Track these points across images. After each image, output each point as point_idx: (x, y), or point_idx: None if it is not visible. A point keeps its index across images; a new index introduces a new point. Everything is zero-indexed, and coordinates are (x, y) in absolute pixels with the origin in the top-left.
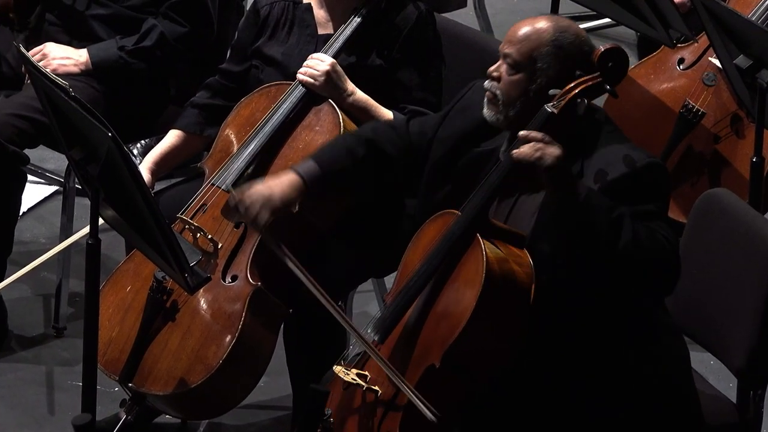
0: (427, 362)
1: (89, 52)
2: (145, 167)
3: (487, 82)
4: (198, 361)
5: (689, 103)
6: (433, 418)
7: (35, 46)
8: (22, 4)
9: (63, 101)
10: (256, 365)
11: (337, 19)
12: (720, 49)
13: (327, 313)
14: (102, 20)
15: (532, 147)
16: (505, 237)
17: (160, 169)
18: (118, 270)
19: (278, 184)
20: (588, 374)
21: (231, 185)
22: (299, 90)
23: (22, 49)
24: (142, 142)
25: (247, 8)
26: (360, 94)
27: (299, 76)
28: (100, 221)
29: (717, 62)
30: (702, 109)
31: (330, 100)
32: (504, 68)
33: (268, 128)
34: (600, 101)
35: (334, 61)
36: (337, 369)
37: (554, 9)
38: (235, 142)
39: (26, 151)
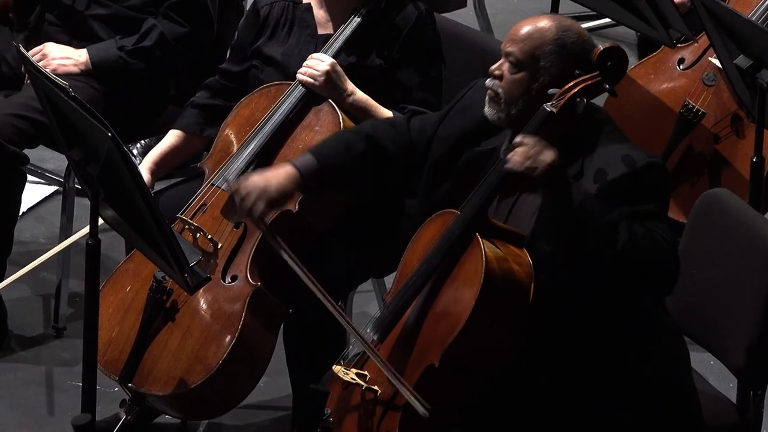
0: (426, 362)
1: (89, 52)
2: (144, 167)
3: (488, 80)
4: (198, 362)
5: (689, 103)
6: (425, 412)
7: (35, 46)
8: (22, 4)
9: (63, 101)
10: (256, 365)
11: (337, 19)
12: (720, 49)
13: (326, 313)
14: (102, 20)
15: (524, 156)
16: (504, 236)
17: (159, 169)
18: (117, 270)
19: (275, 175)
20: (588, 374)
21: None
22: (299, 90)
23: (22, 49)
24: (142, 142)
25: (247, 8)
26: (360, 94)
27: (299, 76)
28: (100, 221)
29: (717, 62)
30: (702, 109)
31: (330, 100)
32: (506, 67)
33: (268, 128)
34: (600, 101)
35: (334, 61)
36: (337, 369)
37: (554, 9)
38: (234, 142)
39: (26, 151)
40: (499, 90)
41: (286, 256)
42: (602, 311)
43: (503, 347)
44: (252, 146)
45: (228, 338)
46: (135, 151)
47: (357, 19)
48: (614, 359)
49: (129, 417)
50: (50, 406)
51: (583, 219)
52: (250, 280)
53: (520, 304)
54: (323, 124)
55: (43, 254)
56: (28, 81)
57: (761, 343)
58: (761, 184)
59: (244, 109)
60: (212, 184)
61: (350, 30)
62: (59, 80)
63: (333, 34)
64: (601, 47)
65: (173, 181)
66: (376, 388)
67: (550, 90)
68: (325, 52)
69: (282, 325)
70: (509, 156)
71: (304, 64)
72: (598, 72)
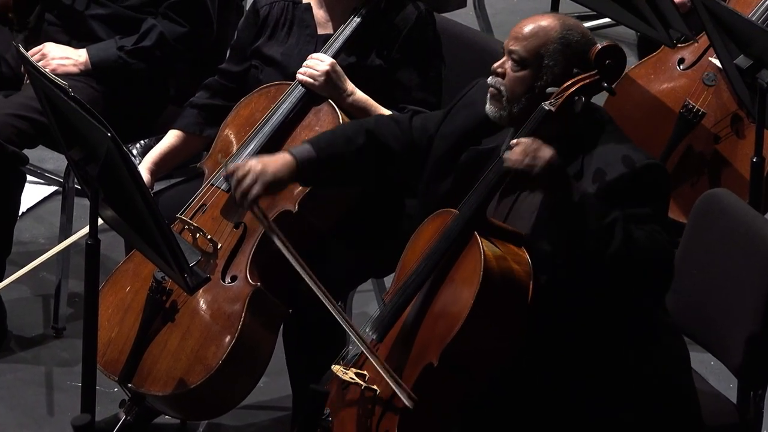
0: (425, 361)
1: (88, 52)
2: (144, 167)
3: (490, 78)
4: (197, 362)
5: (689, 103)
6: (409, 403)
7: (34, 46)
8: (22, 3)
9: (62, 101)
10: (256, 365)
11: (337, 19)
12: (720, 49)
13: (326, 313)
14: (101, 20)
15: (522, 154)
16: (503, 235)
17: (159, 169)
18: (117, 270)
19: (272, 161)
20: (588, 374)
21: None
22: (299, 90)
23: (22, 49)
24: (142, 142)
25: (247, 8)
26: (360, 94)
27: (299, 76)
28: (100, 221)
29: (717, 62)
30: (702, 109)
31: (330, 100)
32: (509, 65)
33: (268, 128)
34: (600, 101)
35: (334, 61)
36: (336, 368)
37: (554, 9)
38: (234, 142)
39: (25, 152)
40: (502, 87)
41: (278, 242)
42: (602, 311)
43: (502, 346)
44: (252, 146)
45: (228, 338)
46: (134, 151)
47: (357, 19)
48: (614, 359)
49: (128, 417)
50: (50, 406)
51: (582, 218)
52: (250, 281)
53: (519, 304)
54: (323, 124)
55: (43, 254)
56: (28, 81)
57: (761, 343)
58: (761, 184)
59: (243, 109)
60: (212, 185)
61: (350, 30)
62: (59, 80)
63: (333, 34)
64: (599, 46)
65: (173, 181)
66: (375, 387)
67: (548, 89)
68: (324, 52)
69: (282, 326)
70: (507, 154)
71: (304, 64)
72: (596, 71)
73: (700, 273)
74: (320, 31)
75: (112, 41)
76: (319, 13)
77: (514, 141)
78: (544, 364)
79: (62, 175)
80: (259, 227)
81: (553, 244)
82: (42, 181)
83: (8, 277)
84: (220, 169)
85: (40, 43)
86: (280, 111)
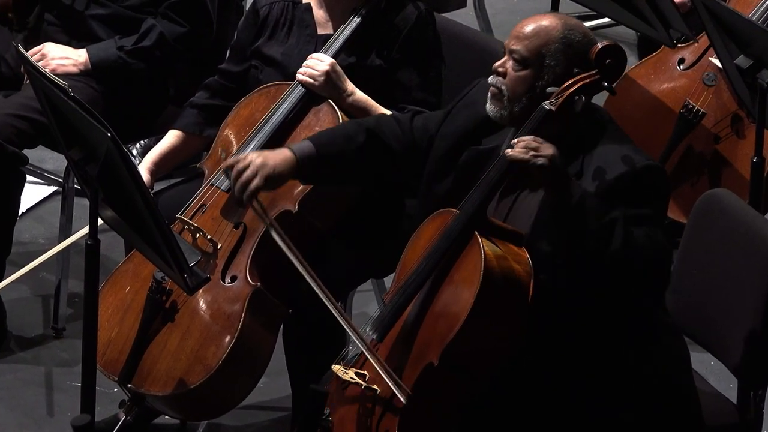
0: (426, 360)
1: (88, 52)
2: (144, 167)
3: (491, 77)
4: (197, 362)
5: (689, 103)
6: (404, 399)
7: (34, 46)
8: (21, 3)
9: (62, 101)
10: (256, 366)
11: (337, 19)
12: (720, 49)
13: (326, 313)
14: (101, 20)
15: (524, 149)
16: (503, 235)
17: (159, 169)
18: (117, 270)
19: (272, 155)
20: (588, 374)
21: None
22: (299, 90)
23: (21, 49)
24: (142, 142)
25: (247, 8)
26: (360, 95)
27: (299, 76)
28: (99, 222)
29: (717, 62)
30: (702, 109)
31: (329, 100)
32: (510, 64)
33: (268, 128)
34: (600, 101)
35: (334, 61)
36: (336, 368)
37: (554, 9)
38: (234, 142)
39: (25, 152)
40: (503, 87)
41: (278, 238)
42: (602, 311)
43: (503, 346)
44: (251, 146)
45: (227, 338)
46: (134, 152)
47: (357, 19)
48: (614, 359)
49: (128, 417)
50: (50, 406)
51: (582, 217)
52: (250, 281)
53: (520, 303)
54: (323, 125)
55: (43, 254)
56: (28, 81)
57: (761, 343)
58: (761, 185)
59: (243, 109)
60: (212, 185)
61: (350, 30)
62: (58, 80)
63: (333, 34)
64: (599, 45)
65: (173, 181)
66: (375, 387)
67: (549, 88)
68: (324, 52)
69: (282, 326)
70: (509, 149)
71: (304, 64)
72: (596, 70)
73: (700, 273)
74: (320, 31)
75: (112, 41)
76: (319, 13)
77: (515, 141)
78: (544, 364)
79: (62, 175)
80: (259, 227)
81: (552, 244)
82: (42, 181)
83: (8, 277)
84: (219, 169)
85: (40, 43)
86: (280, 111)
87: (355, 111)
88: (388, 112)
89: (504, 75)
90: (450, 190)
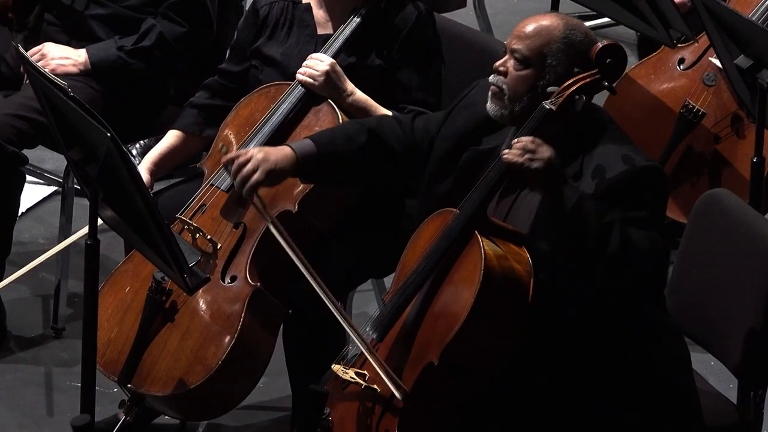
0: (426, 360)
1: (88, 52)
2: (144, 167)
3: (492, 76)
4: (197, 362)
5: (689, 103)
6: (400, 397)
7: (34, 46)
8: (21, 3)
9: (62, 101)
10: (255, 366)
11: (337, 19)
12: (720, 49)
13: (326, 313)
14: (101, 20)
15: (522, 150)
16: (503, 235)
17: (159, 169)
18: (117, 270)
19: (274, 151)
20: (588, 374)
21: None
22: (298, 90)
23: (21, 49)
24: (141, 142)
25: (247, 8)
26: (359, 94)
27: (298, 76)
28: (99, 222)
29: (717, 62)
30: (702, 109)
31: (329, 100)
32: (511, 63)
33: (268, 128)
34: (601, 101)
35: (334, 61)
36: (336, 368)
37: (554, 9)
38: (234, 142)
39: (25, 152)
40: (504, 86)
41: (277, 235)
42: (602, 311)
43: (503, 346)
44: (251, 146)
45: (227, 339)
46: (134, 152)
47: (356, 19)
48: (614, 359)
49: (128, 418)
50: (49, 406)
51: (579, 219)
52: (250, 281)
53: (520, 303)
54: (323, 125)
55: (42, 255)
56: (27, 81)
57: (761, 343)
58: (761, 185)
59: (243, 109)
60: (211, 185)
61: (350, 30)
62: (58, 80)
63: (332, 34)
64: (600, 45)
65: (172, 181)
66: (375, 387)
67: (549, 88)
68: (324, 52)
69: (281, 326)
70: (507, 151)
71: (304, 64)
72: (597, 69)
73: (700, 273)
74: (320, 31)
75: (112, 41)
76: (318, 13)
77: (514, 141)
78: (544, 364)
79: (62, 175)
80: (259, 227)
81: (552, 244)
82: (41, 181)
83: (8, 277)
84: (219, 169)
85: (40, 43)
86: (280, 111)
87: (355, 111)
88: (388, 112)
89: (505, 74)
90: (450, 191)
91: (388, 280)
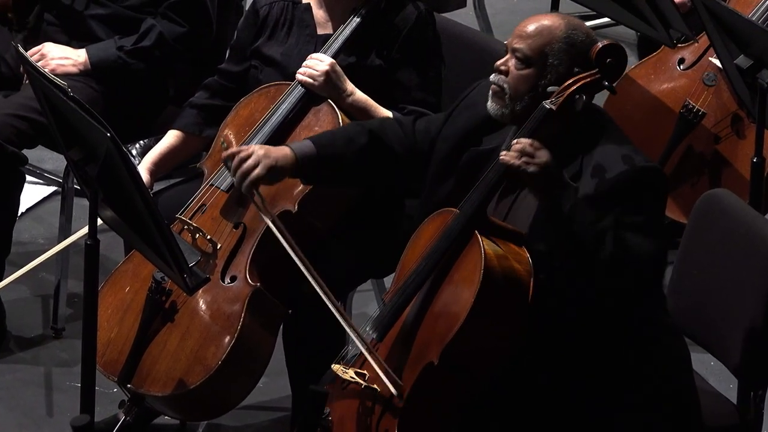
0: (426, 360)
1: (88, 52)
2: (143, 167)
3: (493, 75)
4: (197, 362)
5: (689, 103)
6: (394, 392)
7: (34, 46)
8: (21, 3)
9: (61, 101)
10: (255, 366)
11: (337, 19)
12: (720, 49)
13: (326, 313)
14: (101, 20)
15: (520, 152)
16: (503, 235)
17: (159, 169)
18: (116, 271)
19: (274, 149)
20: (588, 374)
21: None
22: (298, 90)
23: (21, 49)
24: (141, 142)
25: (246, 8)
26: (359, 95)
27: (298, 76)
28: (99, 222)
29: (717, 62)
30: (702, 110)
31: (329, 100)
32: (513, 62)
33: (267, 128)
34: (601, 101)
35: (334, 61)
36: (336, 367)
37: (554, 9)
38: (234, 142)
39: (25, 152)
40: (505, 85)
41: (276, 232)
42: (602, 311)
43: (503, 345)
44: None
45: (227, 339)
46: (134, 152)
47: (356, 19)
48: (614, 359)
49: (128, 418)
50: (49, 406)
51: (574, 224)
52: (250, 281)
53: (520, 303)
54: (322, 125)
55: (42, 255)
56: (27, 81)
57: (761, 343)
58: (762, 185)
59: (243, 109)
60: (211, 185)
61: (350, 30)
62: (58, 80)
63: (332, 34)
64: (600, 44)
65: (172, 181)
66: (375, 386)
67: (549, 87)
68: (324, 52)
69: (281, 326)
70: (504, 153)
71: (304, 64)
72: (597, 69)
73: (700, 273)
74: (320, 31)
75: (112, 41)
76: (318, 13)
77: (514, 141)
78: (544, 364)
79: (61, 175)
80: (259, 227)
81: (550, 245)
82: (41, 181)
83: (7, 277)
84: (219, 169)
85: (40, 43)
86: (280, 111)
87: (355, 111)
88: (388, 113)
89: (506, 73)
90: (452, 192)
91: (388, 280)
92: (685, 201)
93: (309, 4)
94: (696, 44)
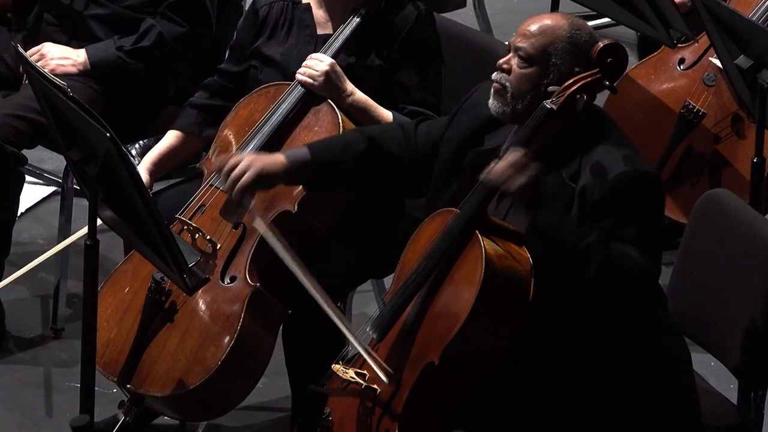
0: (426, 360)
1: (87, 52)
2: (143, 168)
3: (495, 74)
4: (196, 363)
5: (690, 103)
6: (385, 378)
7: (33, 46)
8: (20, 3)
9: (61, 101)
10: (255, 366)
11: (336, 19)
12: (721, 49)
13: (325, 314)
14: (100, 20)
15: (504, 170)
16: (504, 234)
17: (158, 169)
18: (116, 271)
19: (263, 157)
20: (588, 374)
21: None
22: (298, 90)
23: (20, 49)
24: (141, 142)
25: (246, 8)
26: (359, 95)
27: (298, 77)
28: (99, 222)
29: (717, 62)
30: (702, 110)
31: (329, 100)
32: (515, 61)
33: (267, 129)
34: (601, 101)
35: (333, 61)
36: (336, 368)
37: (554, 9)
38: (233, 142)
39: (24, 152)
40: (507, 83)
41: (269, 236)
42: (602, 311)
43: (503, 345)
44: (251, 147)
45: (227, 339)
46: (133, 152)
47: (356, 19)
48: (614, 359)
49: (127, 418)
50: (48, 407)
51: (560, 240)
52: (249, 281)
53: (521, 302)
54: (322, 125)
55: (42, 255)
56: (27, 81)
57: (761, 343)
58: (762, 185)
59: (243, 109)
60: (211, 185)
61: (349, 30)
62: (57, 80)
63: (332, 34)
64: (600, 44)
65: (172, 181)
66: (375, 387)
67: (550, 87)
68: (324, 52)
69: (281, 326)
70: (487, 171)
71: (303, 64)
72: (597, 69)
73: (700, 273)
74: (320, 31)
75: (111, 41)
76: (318, 13)
77: (500, 157)
78: (544, 364)
79: (61, 175)
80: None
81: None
82: (41, 181)
83: (7, 277)
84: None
85: (39, 43)
86: (280, 111)
87: (355, 111)
88: (388, 113)
89: (508, 72)
90: (455, 194)
91: (388, 281)
92: (685, 201)
93: (309, 4)
94: (696, 44)
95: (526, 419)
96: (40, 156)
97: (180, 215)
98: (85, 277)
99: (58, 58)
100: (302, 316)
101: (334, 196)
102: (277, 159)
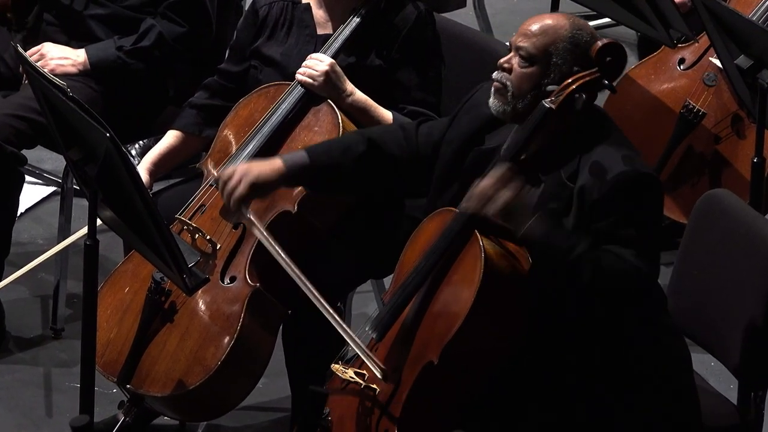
0: (426, 359)
1: (87, 52)
2: (143, 168)
3: (496, 72)
4: (196, 363)
5: (690, 103)
6: (380, 375)
7: (33, 46)
8: (20, 3)
9: (61, 101)
10: (255, 366)
11: (336, 19)
12: (721, 49)
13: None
14: (100, 20)
15: (478, 200)
16: (503, 234)
17: (158, 169)
18: (116, 271)
19: (259, 163)
20: (588, 374)
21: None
22: (298, 90)
23: (20, 49)
24: (141, 142)
25: (246, 8)
26: (359, 95)
27: (298, 77)
28: (98, 222)
29: (718, 62)
30: (702, 110)
31: (329, 100)
32: (516, 60)
33: (267, 129)
34: (600, 101)
35: (333, 61)
36: (335, 367)
37: (554, 9)
38: (233, 142)
39: (24, 152)
40: (508, 83)
41: (267, 243)
42: (601, 311)
43: (503, 345)
44: (251, 147)
45: (227, 339)
46: (133, 152)
47: (356, 19)
48: (614, 359)
49: (127, 418)
50: (48, 407)
51: (549, 255)
52: (249, 281)
53: (520, 302)
54: (322, 125)
55: (41, 255)
56: (26, 81)
57: (761, 344)
58: (762, 185)
59: (243, 109)
60: (211, 185)
61: (349, 30)
62: (57, 80)
63: (332, 34)
64: (599, 43)
65: (172, 181)
66: (374, 386)
67: (549, 86)
68: (324, 52)
69: (281, 326)
70: (464, 202)
71: (303, 64)
72: (597, 68)
73: (700, 274)
74: (320, 31)
75: (111, 41)
76: (318, 13)
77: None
78: (544, 364)
79: (61, 175)
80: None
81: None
82: (40, 181)
83: (6, 277)
84: (219, 169)
85: (39, 43)
86: (279, 111)
87: (355, 111)
88: (388, 113)
89: (509, 71)
90: (457, 194)
91: (388, 281)
92: (685, 201)
93: (309, 4)
94: (696, 44)
95: (526, 419)
96: (40, 156)
97: (180, 215)
98: (84, 277)
99: (57, 58)
100: (302, 316)
101: (334, 197)
102: (273, 165)
